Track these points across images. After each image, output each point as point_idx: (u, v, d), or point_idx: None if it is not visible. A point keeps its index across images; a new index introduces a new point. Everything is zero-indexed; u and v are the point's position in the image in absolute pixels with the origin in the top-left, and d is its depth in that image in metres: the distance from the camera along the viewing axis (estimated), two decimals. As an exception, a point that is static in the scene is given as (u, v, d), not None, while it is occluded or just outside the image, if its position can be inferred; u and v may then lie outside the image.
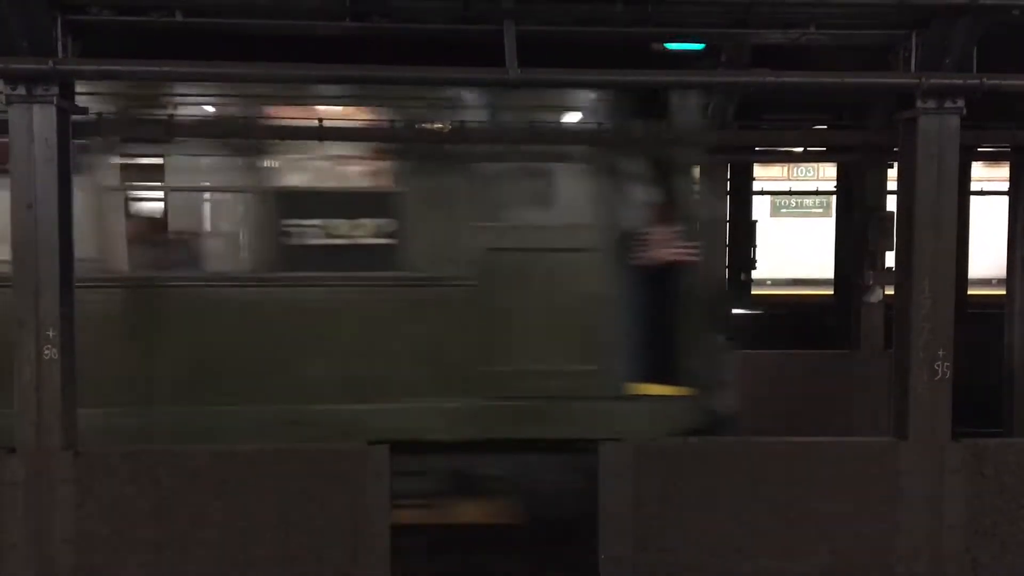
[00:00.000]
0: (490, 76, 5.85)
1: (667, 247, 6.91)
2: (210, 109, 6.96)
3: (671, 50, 6.26)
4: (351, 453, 5.99)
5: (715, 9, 5.91)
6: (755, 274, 12.16)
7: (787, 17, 5.91)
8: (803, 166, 21.13)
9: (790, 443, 6.39)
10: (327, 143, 6.69)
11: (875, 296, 9.77)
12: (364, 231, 7.13)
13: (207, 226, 7.67)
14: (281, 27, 5.85)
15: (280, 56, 5.89)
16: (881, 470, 6.11)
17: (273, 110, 6.86)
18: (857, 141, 9.14)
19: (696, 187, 7.45)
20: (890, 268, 8.09)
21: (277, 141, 6.75)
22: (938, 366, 6.02)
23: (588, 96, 6.84)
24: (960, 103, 5.95)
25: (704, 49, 6.44)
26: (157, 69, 5.89)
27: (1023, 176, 9.47)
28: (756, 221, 12.13)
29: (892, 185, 8.38)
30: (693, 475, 6.10)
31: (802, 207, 23.39)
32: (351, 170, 7.24)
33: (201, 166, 7.13)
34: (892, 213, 8.25)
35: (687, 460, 6.16)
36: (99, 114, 6.46)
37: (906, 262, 6.12)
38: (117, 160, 6.85)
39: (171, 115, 6.59)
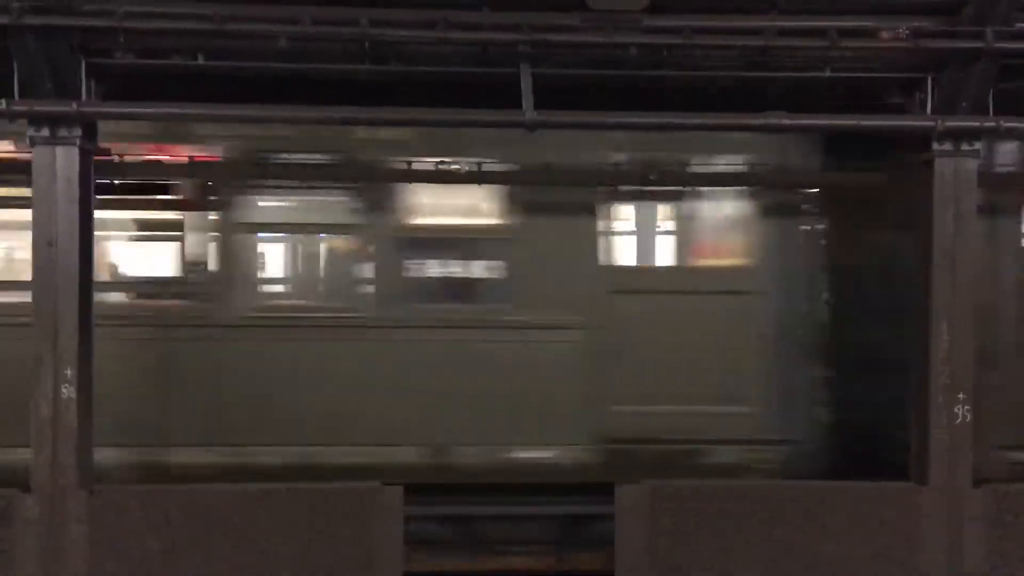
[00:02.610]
0: (507, 119, 5.90)
1: None
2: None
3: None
4: (362, 492, 5.98)
5: (730, 52, 5.95)
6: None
7: (802, 60, 5.94)
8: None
9: (806, 487, 6.33)
10: None
11: None
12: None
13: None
14: (300, 70, 5.93)
15: (306, 99, 5.98)
16: (900, 515, 6.03)
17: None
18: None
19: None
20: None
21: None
22: (958, 410, 5.96)
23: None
24: (977, 146, 5.96)
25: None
26: (178, 111, 6.00)
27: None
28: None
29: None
30: (709, 517, 6.04)
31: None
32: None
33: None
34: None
35: (703, 502, 6.09)
36: (120, 156, 6.63)
37: (924, 304, 6.08)
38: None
39: None
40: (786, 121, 5.85)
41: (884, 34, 5.72)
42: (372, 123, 6.49)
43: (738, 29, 5.82)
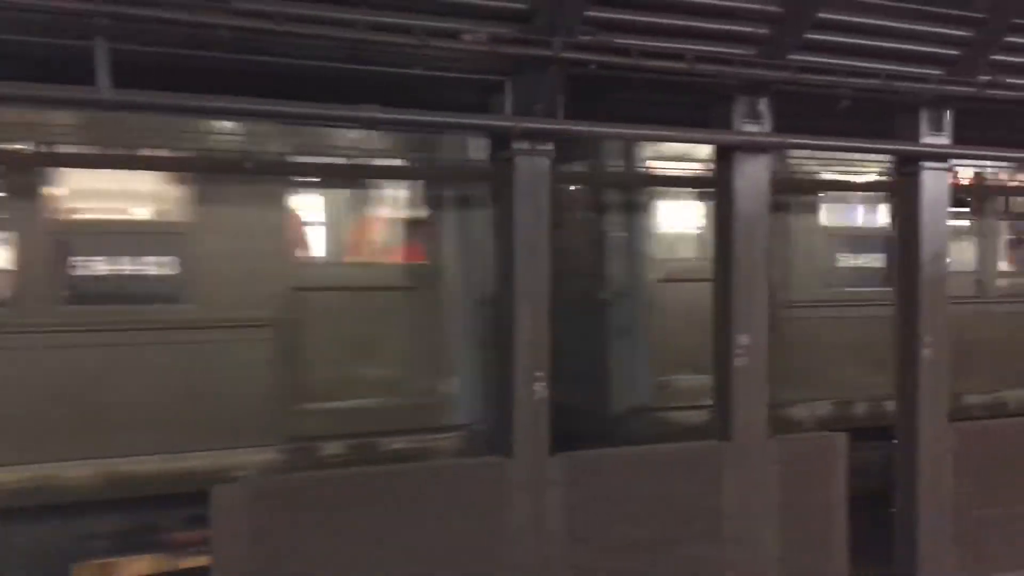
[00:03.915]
0: (81, 96, 5.44)
1: None
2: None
3: None
4: None
5: (328, 43, 5.93)
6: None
7: (396, 56, 6.12)
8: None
9: (403, 469, 6.56)
10: None
11: None
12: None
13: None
14: None
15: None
16: (491, 487, 6.43)
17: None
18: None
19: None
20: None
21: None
22: (537, 387, 6.51)
23: None
24: (550, 146, 6.54)
25: None
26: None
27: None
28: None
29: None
30: (311, 509, 6.02)
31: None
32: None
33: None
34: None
35: (307, 494, 6.07)
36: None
37: (509, 289, 6.55)
38: None
39: None
40: (378, 115, 6.00)
41: (467, 37, 6.07)
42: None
43: (333, 20, 5.86)
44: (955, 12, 7.38)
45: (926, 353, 7.81)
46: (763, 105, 7.13)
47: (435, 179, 7.48)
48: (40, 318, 6.22)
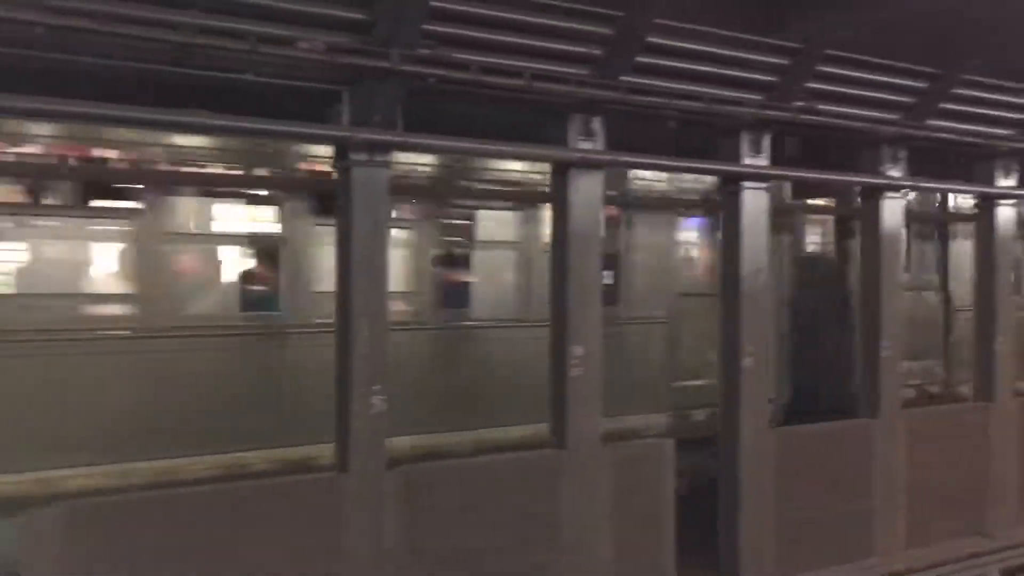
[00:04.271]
0: None
1: None
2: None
3: None
4: None
5: (153, 45, 5.69)
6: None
7: (227, 60, 5.92)
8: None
9: (230, 489, 6.36)
10: None
11: None
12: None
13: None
14: None
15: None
16: (326, 503, 6.31)
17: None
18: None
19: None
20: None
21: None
22: (375, 400, 6.45)
23: None
24: (388, 157, 6.51)
25: None
26: None
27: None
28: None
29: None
30: (131, 534, 5.71)
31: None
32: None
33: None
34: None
35: (122, 518, 5.74)
36: None
37: (345, 302, 6.46)
38: None
39: None
40: (208, 121, 5.81)
41: (303, 45, 5.96)
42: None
43: (157, 21, 5.63)
44: (773, 41, 7.88)
45: (748, 362, 8.25)
46: (597, 123, 7.36)
47: None
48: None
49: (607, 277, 8.58)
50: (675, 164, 8.46)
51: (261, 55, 5.80)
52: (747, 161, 8.25)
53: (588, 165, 7.39)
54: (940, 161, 10.03)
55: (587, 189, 7.41)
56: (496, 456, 7.52)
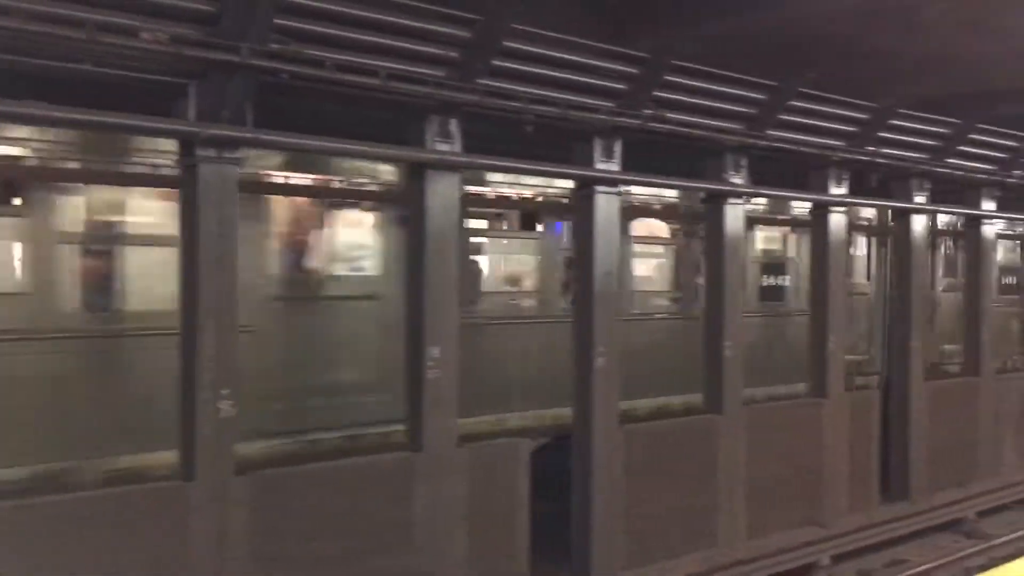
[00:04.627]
0: None
1: None
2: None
3: None
4: None
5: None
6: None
7: (63, 49, 5.58)
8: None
9: (71, 499, 6.02)
10: None
11: None
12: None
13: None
14: None
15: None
16: (170, 512, 6.07)
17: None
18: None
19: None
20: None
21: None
22: (223, 404, 6.24)
23: None
24: (238, 154, 6.31)
25: None
26: None
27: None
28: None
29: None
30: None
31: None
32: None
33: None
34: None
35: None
36: None
37: (192, 303, 6.23)
38: None
39: None
40: (42, 112, 5.48)
41: (146, 35, 5.71)
42: None
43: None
44: (624, 50, 8.11)
45: (600, 362, 8.45)
46: (454, 125, 7.37)
47: None
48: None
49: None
50: (532, 167, 8.58)
51: (101, 44, 5.51)
52: (600, 166, 8.46)
53: (445, 167, 7.40)
54: (780, 172, 10.56)
55: (444, 191, 7.42)
56: (350, 459, 7.42)
